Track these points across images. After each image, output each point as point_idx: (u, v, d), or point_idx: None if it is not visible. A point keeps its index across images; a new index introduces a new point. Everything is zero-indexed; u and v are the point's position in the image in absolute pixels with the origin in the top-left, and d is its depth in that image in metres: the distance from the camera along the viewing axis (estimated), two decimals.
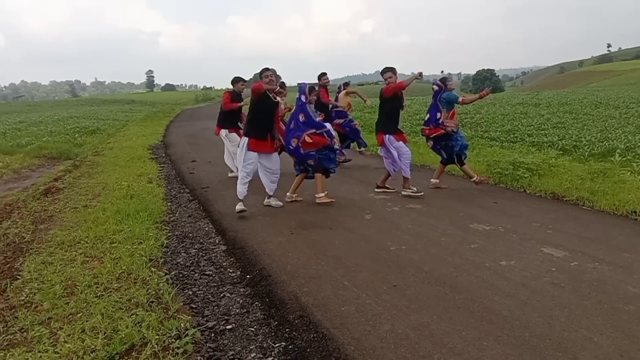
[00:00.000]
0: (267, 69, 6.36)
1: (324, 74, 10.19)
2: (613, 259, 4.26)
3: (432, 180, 7.50)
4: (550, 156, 8.69)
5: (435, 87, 7.33)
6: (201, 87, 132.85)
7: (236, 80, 8.83)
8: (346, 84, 11.11)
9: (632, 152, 9.17)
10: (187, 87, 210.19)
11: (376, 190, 7.26)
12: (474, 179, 7.34)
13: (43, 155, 13.34)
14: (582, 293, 3.61)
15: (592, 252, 4.45)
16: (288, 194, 6.79)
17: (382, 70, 7.02)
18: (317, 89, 7.08)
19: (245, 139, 6.22)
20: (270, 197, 6.61)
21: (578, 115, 16.20)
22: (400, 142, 6.94)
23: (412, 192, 6.88)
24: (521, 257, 4.40)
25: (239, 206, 6.21)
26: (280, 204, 6.58)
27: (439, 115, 7.22)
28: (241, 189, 6.24)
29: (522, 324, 3.16)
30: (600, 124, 13.68)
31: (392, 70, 6.91)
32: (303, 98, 6.52)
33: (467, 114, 16.88)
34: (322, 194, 6.61)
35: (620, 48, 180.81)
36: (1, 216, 6.64)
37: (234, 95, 8.74)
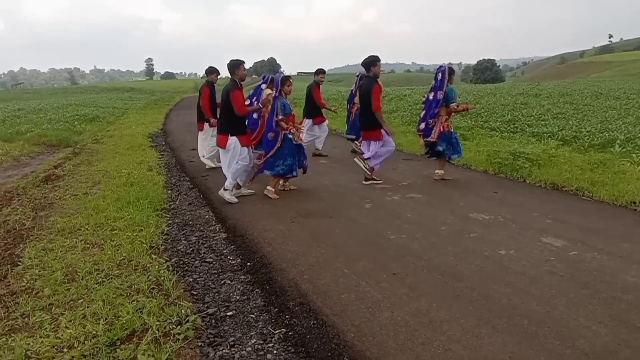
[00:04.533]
0: (242, 62, 6.36)
1: (321, 71, 9.64)
2: (612, 249, 4.28)
3: (436, 171, 7.39)
4: (550, 146, 8.68)
5: (440, 76, 7.14)
6: (201, 76, 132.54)
7: (211, 71, 8.64)
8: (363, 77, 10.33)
9: (632, 143, 9.15)
10: (186, 76, 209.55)
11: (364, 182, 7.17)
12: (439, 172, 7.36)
13: (42, 143, 13.31)
14: (580, 282, 3.63)
15: (591, 242, 4.47)
16: (281, 182, 6.83)
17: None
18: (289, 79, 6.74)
19: (234, 139, 6.23)
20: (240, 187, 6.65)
21: (578, 106, 16.14)
22: None
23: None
24: (520, 246, 4.42)
25: (231, 196, 6.38)
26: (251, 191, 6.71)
27: (437, 110, 7.08)
28: (233, 182, 6.41)
29: (520, 312, 3.18)
30: (600, 115, 13.63)
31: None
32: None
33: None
34: (273, 188, 6.59)
35: (621, 39, 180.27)
36: (1, 203, 6.64)
37: (212, 88, 8.56)
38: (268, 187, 6.55)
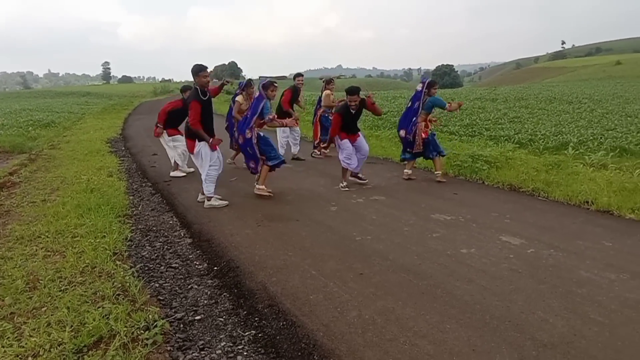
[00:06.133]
0: (205, 68, 6.07)
1: (299, 75, 9.85)
2: (567, 246, 4.48)
3: (405, 171, 7.71)
4: (507, 149, 8.97)
5: (419, 87, 7.42)
6: (160, 80, 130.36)
7: (185, 89, 8.45)
8: (329, 82, 10.38)
9: (584, 146, 9.59)
10: (145, 80, 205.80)
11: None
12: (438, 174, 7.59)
13: None
14: (538, 278, 3.79)
15: (547, 240, 4.66)
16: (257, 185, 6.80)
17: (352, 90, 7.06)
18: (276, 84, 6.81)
19: (202, 143, 6.15)
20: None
21: (533, 110, 16.74)
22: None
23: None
24: (481, 245, 4.57)
25: (217, 201, 6.31)
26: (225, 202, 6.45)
27: (414, 119, 7.36)
28: (212, 187, 6.30)
29: (482, 308, 3.30)
30: (554, 119, 14.19)
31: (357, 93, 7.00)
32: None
33: None
34: (262, 186, 6.67)
35: (573, 45, 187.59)
36: None
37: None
38: (258, 186, 6.62)
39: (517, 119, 14.50)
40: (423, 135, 7.39)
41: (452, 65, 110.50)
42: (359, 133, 7.29)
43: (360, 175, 7.38)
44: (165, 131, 8.47)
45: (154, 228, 5.59)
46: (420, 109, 7.31)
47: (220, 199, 6.37)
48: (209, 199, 6.29)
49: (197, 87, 6.03)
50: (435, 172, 7.60)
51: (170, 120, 8.38)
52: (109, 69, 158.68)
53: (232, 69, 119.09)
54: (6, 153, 12.63)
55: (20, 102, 35.09)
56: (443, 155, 7.65)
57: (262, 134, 6.61)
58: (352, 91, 6.99)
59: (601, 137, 10.51)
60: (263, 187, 6.64)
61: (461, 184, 7.45)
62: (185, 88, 8.47)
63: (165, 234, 5.41)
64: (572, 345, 2.81)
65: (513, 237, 4.76)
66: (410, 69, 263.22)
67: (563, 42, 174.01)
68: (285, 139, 9.70)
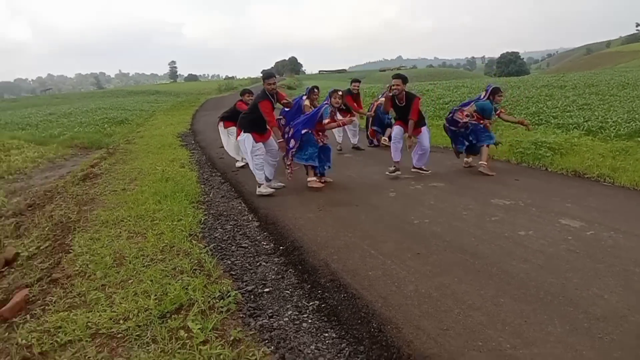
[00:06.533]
0: (273, 75, 6.60)
1: (355, 80, 10.27)
2: (628, 228, 4.45)
3: (465, 159, 7.80)
4: (573, 135, 8.76)
5: (482, 93, 7.54)
6: (223, 77, 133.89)
7: (244, 91, 9.05)
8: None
9: None
10: (209, 77, 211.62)
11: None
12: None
13: (75, 145, 13.91)
14: (596, 258, 3.82)
15: (608, 223, 4.64)
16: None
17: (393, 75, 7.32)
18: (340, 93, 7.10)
19: (246, 134, 6.50)
20: (270, 180, 6.86)
21: (604, 97, 15.99)
22: None
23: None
24: (539, 227, 4.62)
25: (266, 188, 6.59)
26: (282, 184, 6.93)
27: (454, 109, 7.67)
28: (261, 175, 6.59)
29: (537, 285, 3.40)
30: (627, 105, 13.53)
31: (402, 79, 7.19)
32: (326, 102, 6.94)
33: None
34: (313, 178, 6.87)
35: None
36: (43, 201, 7.11)
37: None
38: (309, 179, 6.86)
39: (587, 106, 13.94)
40: (462, 116, 7.42)
41: (518, 53, 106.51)
42: (422, 129, 7.32)
43: (423, 167, 7.47)
44: (222, 122, 9.05)
45: (225, 213, 5.98)
46: (471, 105, 7.40)
47: (273, 186, 6.76)
48: (259, 185, 6.62)
49: (265, 90, 6.48)
50: (480, 162, 7.30)
51: (232, 115, 8.88)
52: (176, 67, 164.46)
53: (292, 65, 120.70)
54: (85, 149, 13.65)
55: (95, 101, 37.28)
56: (484, 145, 7.40)
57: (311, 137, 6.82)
58: (396, 75, 7.23)
59: None
60: (313, 179, 6.85)
61: (523, 170, 7.41)
62: (244, 91, 9.03)
63: (235, 217, 5.79)
64: (625, 319, 2.88)
65: (573, 220, 4.77)
66: (473, 57, 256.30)
67: (637, 25, 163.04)
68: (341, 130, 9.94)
